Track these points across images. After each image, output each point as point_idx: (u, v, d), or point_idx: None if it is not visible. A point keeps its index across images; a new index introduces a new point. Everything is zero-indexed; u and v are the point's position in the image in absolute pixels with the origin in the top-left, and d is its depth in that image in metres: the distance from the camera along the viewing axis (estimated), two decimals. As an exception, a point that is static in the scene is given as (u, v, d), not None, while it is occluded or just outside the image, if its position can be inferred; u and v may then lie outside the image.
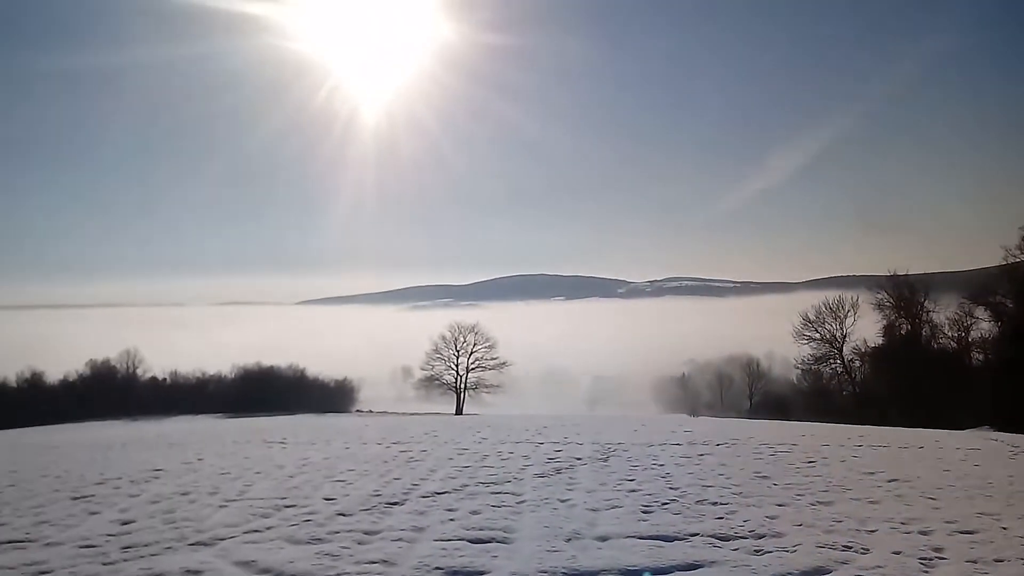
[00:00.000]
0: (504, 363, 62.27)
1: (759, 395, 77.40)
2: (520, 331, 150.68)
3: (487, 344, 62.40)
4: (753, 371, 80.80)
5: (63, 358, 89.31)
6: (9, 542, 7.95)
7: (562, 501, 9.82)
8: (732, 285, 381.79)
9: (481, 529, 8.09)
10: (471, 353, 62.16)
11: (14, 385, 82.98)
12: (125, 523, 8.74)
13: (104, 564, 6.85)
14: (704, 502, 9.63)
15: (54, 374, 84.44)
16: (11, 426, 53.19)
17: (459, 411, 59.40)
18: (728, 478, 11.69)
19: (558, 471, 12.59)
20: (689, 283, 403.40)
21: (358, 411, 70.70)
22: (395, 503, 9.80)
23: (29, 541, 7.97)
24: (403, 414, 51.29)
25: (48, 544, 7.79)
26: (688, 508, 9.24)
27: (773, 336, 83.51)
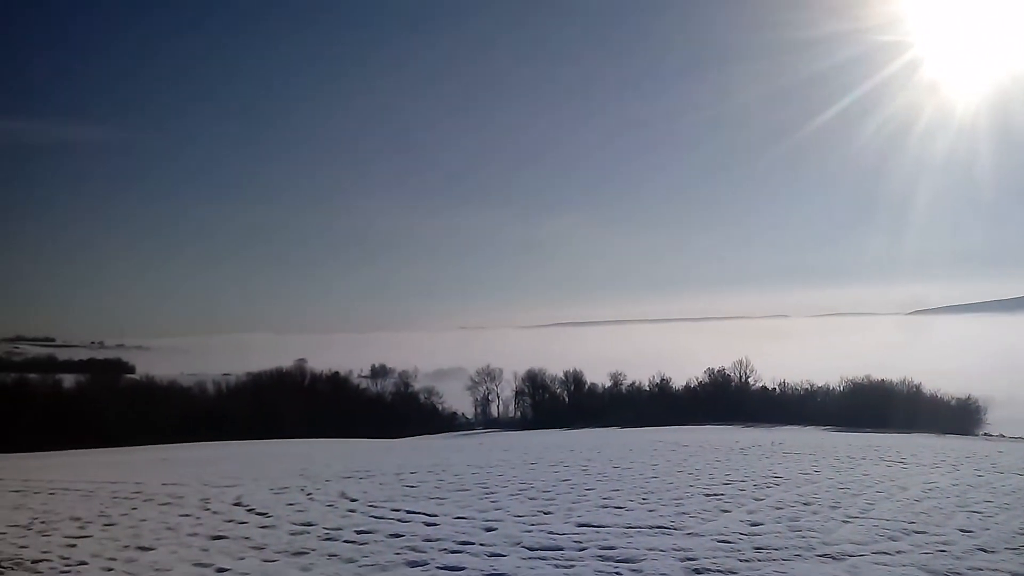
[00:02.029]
0: None
1: None
2: None
3: None
4: None
5: (686, 366, 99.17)
6: (659, 527, 9.12)
7: None
8: None
9: None
10: None
11: (647, 388, 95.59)
12: (754, 524, 9.26)
13: (741, 560, 7.36)
14: None
15: (678, 380, 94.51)
16: (644, 424, 61.39)
17: None
18: None
19: None
20: None
21: (986, 434, 62.19)
22: (1052, 547, 8.33)
23: (674, 529, 9.03)
24: (1049, 442, 43.29)
25: (690, 534, 8.71)
26: None
27: None
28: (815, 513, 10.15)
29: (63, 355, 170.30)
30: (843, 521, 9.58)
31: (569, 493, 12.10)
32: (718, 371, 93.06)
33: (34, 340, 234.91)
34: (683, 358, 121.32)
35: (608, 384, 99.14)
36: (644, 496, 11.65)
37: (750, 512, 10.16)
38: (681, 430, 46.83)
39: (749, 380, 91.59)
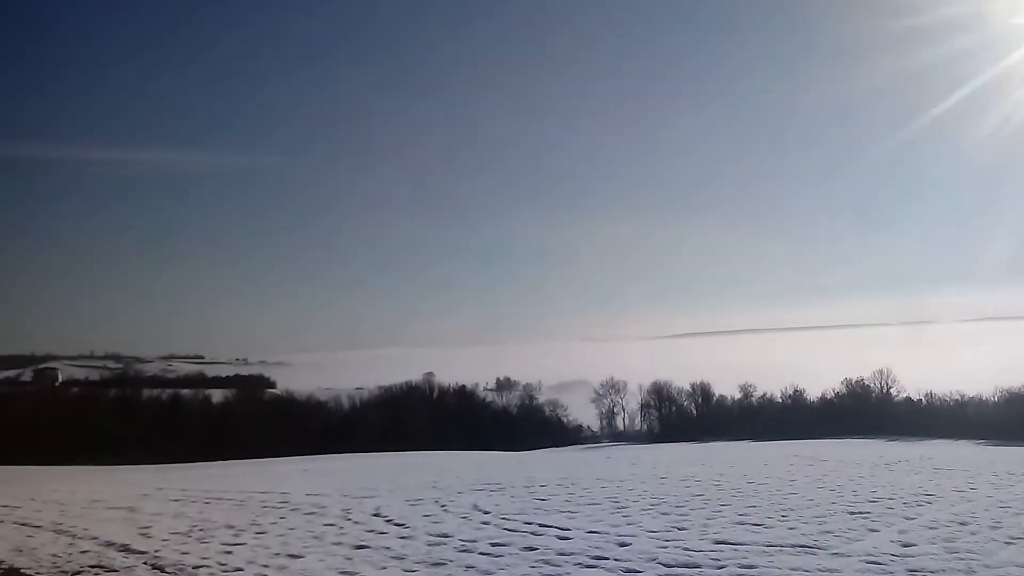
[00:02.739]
0: None
1: None
2: None
3: None
4: None
5: (821, 376, 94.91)
6: (801, 546, 8.77)
7: None
8: None
9: None
10: None
11: (779, 400, 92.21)
12: (906, 545, 8.75)
13: (893, 583, 6.99)
14: None
15: (813, 391, 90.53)
16: (777, 437, 59.18)
17: None
18: None
19: None
20: None
21: None
22: None
23: (818, 548, 8.65)
24: None
25: (835, 554, 8.32)
26: None
27: None
28: (973, 534, 9.49)
29: (211, 371, 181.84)
30: (1005, 543, 8.92)
31: (703, 508, 11.84)
32: (856, 381, 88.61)
33: (185, 358, 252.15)
34: (818, 368, 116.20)
35: (738, 396, 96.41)
36: (783, 513, 11.24)
37: (901, 532, 9.61)
38: (818, 444, 44.87)
39: (891, 391, 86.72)
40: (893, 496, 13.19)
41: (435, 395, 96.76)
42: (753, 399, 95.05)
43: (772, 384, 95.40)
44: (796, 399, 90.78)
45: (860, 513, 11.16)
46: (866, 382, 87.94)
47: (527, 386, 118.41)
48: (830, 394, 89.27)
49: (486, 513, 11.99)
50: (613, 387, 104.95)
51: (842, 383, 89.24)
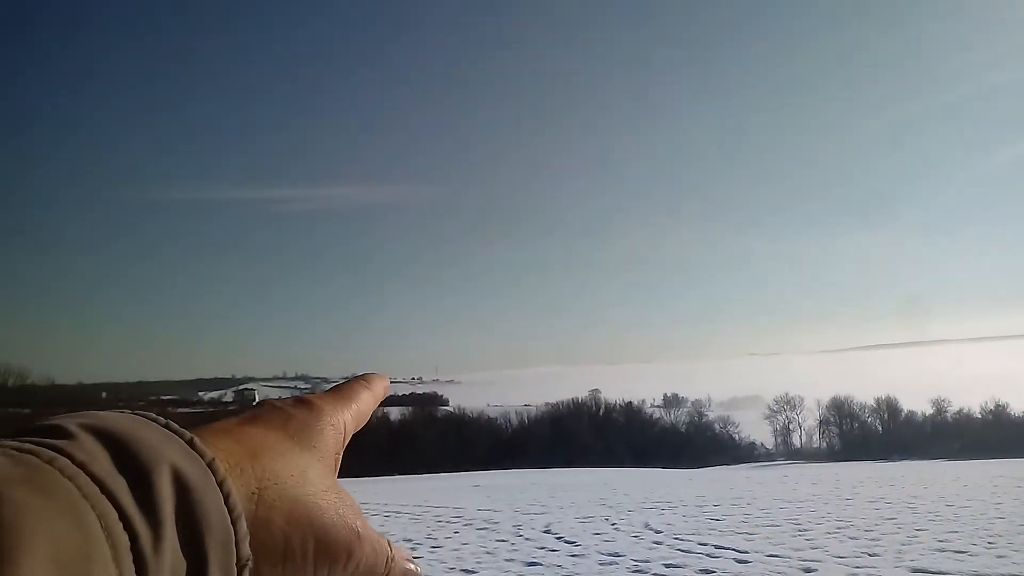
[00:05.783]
0: None
1: None
2: None
3: None
4: None
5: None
6: (1014, 577, 7.91)
7: None
8: None
9: None
10: None
11: (978, 416, 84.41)
12: None
13: None
14: None
15: (1018, 406, 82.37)
16: (976, 456, 53.90)
17: None
18: None
19: None
20: None
21: None
22: None
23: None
24: None
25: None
26: None
27: None
28: None
29: (390, 390, 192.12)
30: None
31: (896, 533, 10.93)
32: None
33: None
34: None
35: (929, 411, 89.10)
36: (990, 540, 10.16)
37: None
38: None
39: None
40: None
41: (601, 412, 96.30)
42: (947, 415, 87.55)
43: (969, 398, 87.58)
44: (998, 414, 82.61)
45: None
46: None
47: (696, 402, 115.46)
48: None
49: (658, 532, 11.70)
50: (788, 403, 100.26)
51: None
